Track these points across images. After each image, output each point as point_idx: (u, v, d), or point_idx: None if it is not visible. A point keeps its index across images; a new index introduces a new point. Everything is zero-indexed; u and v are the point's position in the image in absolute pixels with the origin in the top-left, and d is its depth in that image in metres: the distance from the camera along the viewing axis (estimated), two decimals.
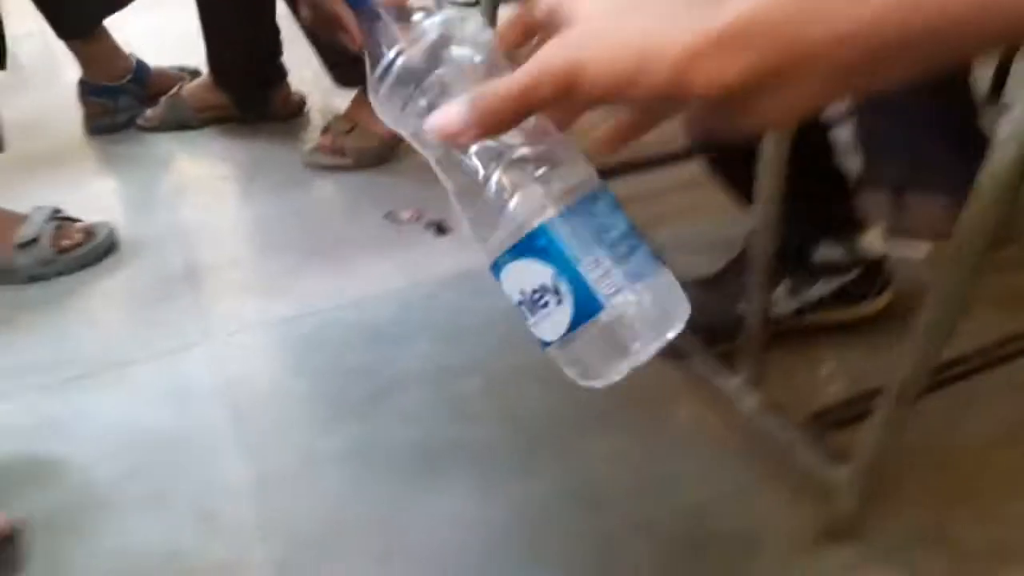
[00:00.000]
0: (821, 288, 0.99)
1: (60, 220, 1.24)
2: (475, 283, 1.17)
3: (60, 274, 1.21)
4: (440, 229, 1.30)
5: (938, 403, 0.78)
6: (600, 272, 0.38)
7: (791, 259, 0.98)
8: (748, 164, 0.75)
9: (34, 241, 1.20)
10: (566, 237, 0.38)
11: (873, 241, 0.99)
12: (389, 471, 0.88)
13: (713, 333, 0.97)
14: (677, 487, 0.85)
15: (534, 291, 0.40)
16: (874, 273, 1.01)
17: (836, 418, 0.86)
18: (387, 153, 1.49)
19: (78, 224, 1.26)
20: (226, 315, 1.12)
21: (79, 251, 1.23)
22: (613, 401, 0.95)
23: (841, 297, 1.00)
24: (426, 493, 0.85)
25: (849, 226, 0.98)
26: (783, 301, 0.98)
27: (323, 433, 0.93)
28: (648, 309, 0.40)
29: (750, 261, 0.79)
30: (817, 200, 0.96)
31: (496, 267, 0.41)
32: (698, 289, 1.02)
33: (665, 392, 0.97)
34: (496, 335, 1.07)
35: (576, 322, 0.40)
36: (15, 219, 1.22)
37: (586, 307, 0.39)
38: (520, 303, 0.41)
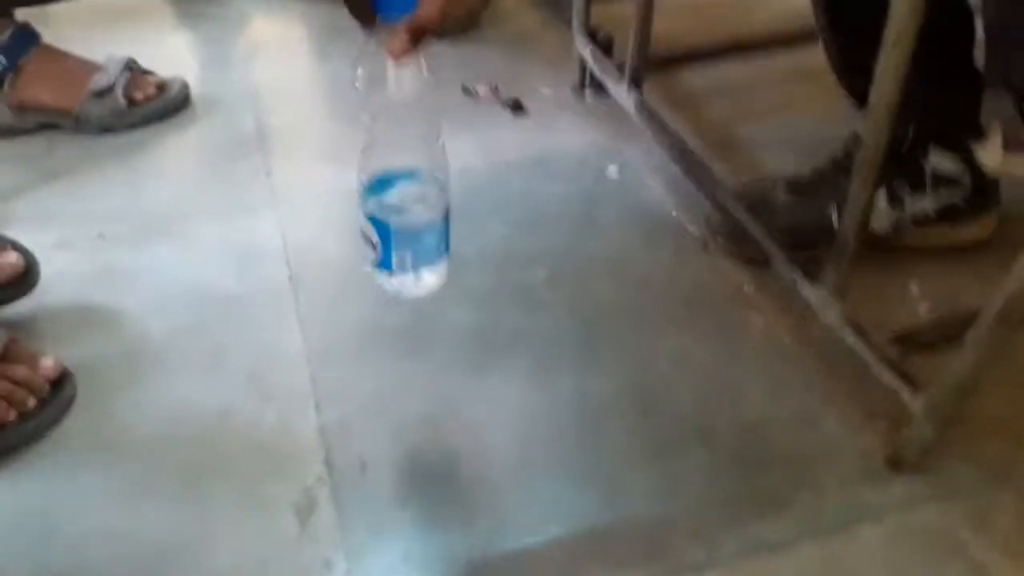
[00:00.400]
0: (926, 202, 0.91)
1: (134, 71, 1.22)
2: (549, 167, 1.12)
3: (132, 127, 1.20)
4: (517, 107, 1.24)
5: None
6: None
7: (897, 163, 0.90)
8: (872, 50, 0.67)
9: (108, 90, 1.18)
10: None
11: (989, 154, 0.90)
12: (447, 351, 0.86)
13: (799, 237, 0.91)
14: (742, 398, 0.81)
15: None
16: (985, 192, 0.92)
17: (922, 340, 0.80)
18: (469, 21, 1.43)
19: (151, 77, 1.24)
20: (294, 180, 1.10)
21: (151, 104, 1.21)
22: (684, 301, 0.91)
23: (946, 215, 0.92)
24: (483, 378, 0.83)
25: (969, 134, 0.89)
26: (881, 213, 0.91)
27: (383, 307, 0.90)
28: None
29: (855, 162, 0.72)
30: (942, 98, 0.87)
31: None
32: (789, 190, 0.95)
33: (740, 296, 0.92)
34: (566, 224, 1.02)
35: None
36: (91, 67, 1.20)
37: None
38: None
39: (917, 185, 0.91)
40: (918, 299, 0.91)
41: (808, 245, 0.91)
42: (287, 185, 1.09)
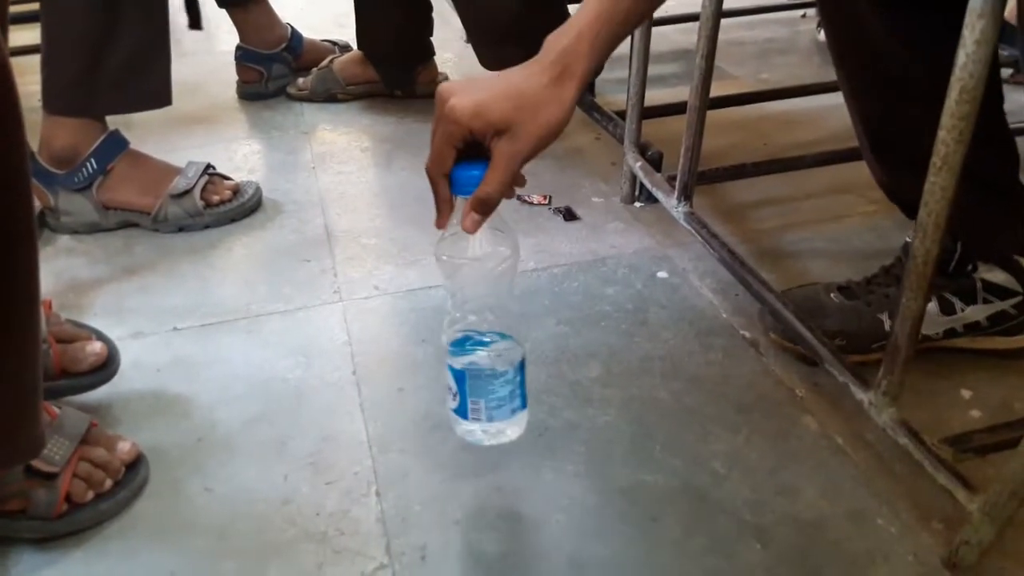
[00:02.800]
0: (977, 312, 0.93)
1: (211, 176, 1.30)
2: (604, 271, 1.16)
3: (207, 227, 1.27)
4: (570, 215, 1.30)
5: None
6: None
7: (947, 276, 0.93)
8: (920, 170, 0.71)
9: (186, 193, 1.26)
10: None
11: None
12: (504, 445, 0.87)
13: (850, 341, 0.94)
14: (796, 498, 0.82)
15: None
16: None
17: (976, 444, 0.80)
18: None
19: (227, 182, 1.32)
20: (358, 280, 1.15)
21: (226, 207, 1.29)
22: (737, 402, 0.93)
23: (997, 323, 0.94)
24: (538, 471, 0.85)
25: (1017, 251, 0.92)
26: (932, 320, 0.93)
27: (441, 401, 0.93)
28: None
29: (905, 271, 0.75)
30: (988, 219, 0.90)
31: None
32: (841, 294, 0.98)
33: (793, 398, 0.93)
34: (619, 325, 1.05)
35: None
36: (171, 171, 1.29)
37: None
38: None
39: (968, 297, 0.93)
40: (969, 404, 0.92)
41: (860, 349, 0.94)
42: (352, 284, 1.14)
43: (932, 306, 0.93)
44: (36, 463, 0.77)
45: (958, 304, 0.94)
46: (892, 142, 0.92)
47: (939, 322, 0.94)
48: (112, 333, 0.99)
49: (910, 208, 0.89)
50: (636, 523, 0.79)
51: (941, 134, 0.66)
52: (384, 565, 0.75)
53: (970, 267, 0.93)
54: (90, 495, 0.80)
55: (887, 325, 0.93)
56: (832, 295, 0.99)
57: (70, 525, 0.79)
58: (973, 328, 0.95)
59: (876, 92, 0.90)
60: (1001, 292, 0.93)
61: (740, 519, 0.79)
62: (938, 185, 0.69)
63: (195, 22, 1.55)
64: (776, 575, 0.74)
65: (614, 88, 1.67)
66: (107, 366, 0.93)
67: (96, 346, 0.92)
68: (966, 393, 0.93)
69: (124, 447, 0.84)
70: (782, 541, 0.77)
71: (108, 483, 0.81)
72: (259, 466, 0.86)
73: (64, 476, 0.78)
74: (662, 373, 0.97)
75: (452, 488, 0.83)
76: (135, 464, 0.85)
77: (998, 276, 0.93)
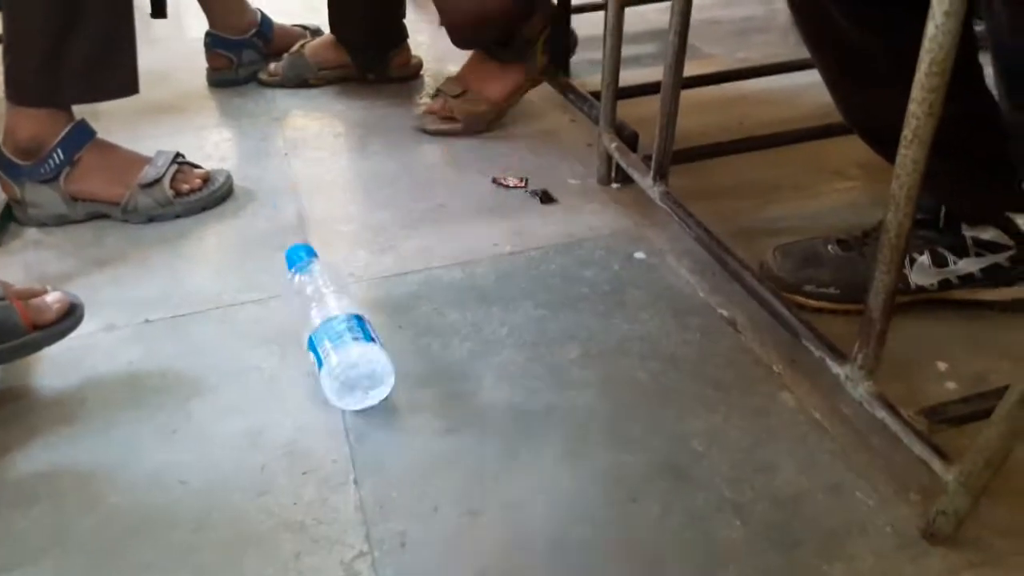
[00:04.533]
0: (970, 264, 0.95)
1: (181, 164, 1.28)
2: (581, 253, 1.16)
3: (177, 216, 1.25)
4: (546, 197, 1.29)
5: None
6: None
7: (938, 231, 0.93)
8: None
9: (156, 182, 1.24)
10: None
11: None
12: (482, 428, 0.88)
13: (844, 291, 0.97)
14: (775, 474, 0.82)
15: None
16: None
17: (951, 415, 0.81)
18: (496, 118, 1.50)
19: (198, 170, 1.30)
20: (334, 266, 1.13)
21: (197, 195, 1.27)
22: (715, 380, 0.93)
23: (992, 275, 0.95)
24: (517, 454, 0.84)
25: (1007, 211, 0.92)
26: (925, 271, 0.94)
27: (419, 386, 0.93)
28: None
29: (880, 241, 0.75)
30: (971, 188, 0.90)
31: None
32: (838, 246, 1.00)
33: (770, 375, 0.93)
34: (596, 306, 1.05)
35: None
36: (140, 160, 1.27)
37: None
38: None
39: (959, 251, 0.95)
40: (945, 377, 0.92)
41: (852, 299, 0.96)
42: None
43: (924, 259, 0.95)
44: None
45: (950, 257, 0.95)
46: (875, 126, 0.92)
47: (932, 273, 0.96)
48: (84, 327, 0.97)
49: None
50: (616, 503, 0.79)
51: (911, 107, 0.66)
52: (363, 553, 0.75)
53: (957, 225, 0.95)
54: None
55: None
56: (829, 247, 1.01)
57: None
58: (968, 280, 0.96)
59: (851, 80, 0.91)
60: (992, 247, 0.94)
61: (719, 496, 0.79)
62: (909, 158, 0.68)
63: (159, 10, 1.54)
64: (755, 550, 0.74)
65: (589, 69, 1.66)
66: (73, 310, 0.94)
67: (55, 294, 0.94)
68: (941, 365, 0.94)
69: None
70: (761, 517, 0.77)
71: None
72: (235, 457, 0.85)
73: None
74: (640, 353, 0.97)
75: (431, 474, 0.83)
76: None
77: (987, 232, 0.94)
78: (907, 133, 0.68)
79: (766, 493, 0.80)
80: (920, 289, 0.98)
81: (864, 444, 0.84)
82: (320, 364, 0.89)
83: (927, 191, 0.89)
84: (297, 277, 1.01)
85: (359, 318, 0.93)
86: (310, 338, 0.92)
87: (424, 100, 1.61)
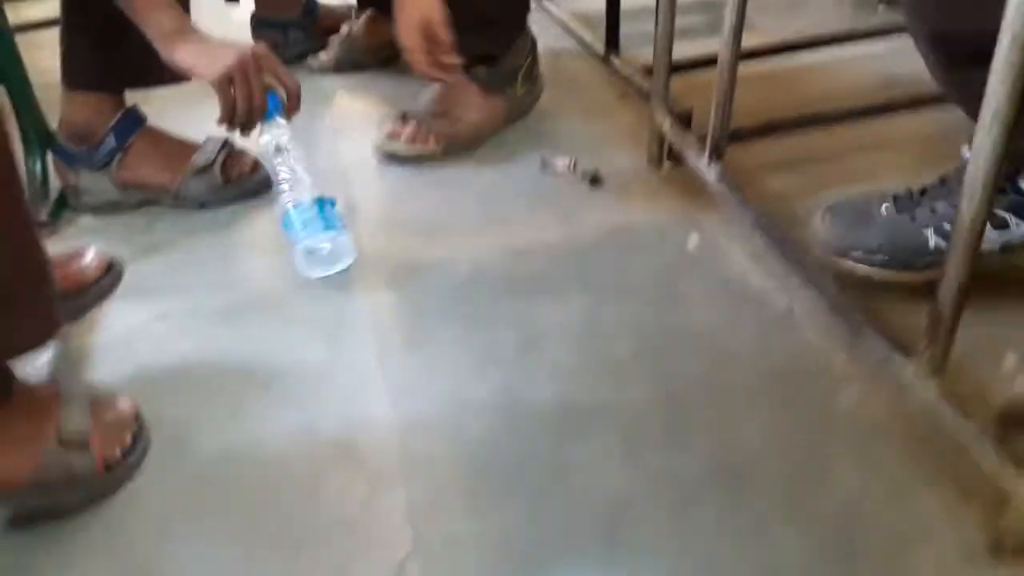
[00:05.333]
0: None
1: (230, 151, 1.28)
2: (631, 240, 1.13)
3: (227, 202, 1.26)
4: (595, 180, 1.26)
5: None
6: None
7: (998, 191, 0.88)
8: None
9: (207, 168, 1.24)
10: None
11: None
12: (534, 425, 0.86)
13: (892, 256, 0.93)
14: (834, 476, 0.79)
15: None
16: None
17: None
18: (475, 143, 1.40)
19: (247, 156, 1.30)
20: (382, 254, 1.13)
21: (246, 181, 1.27)
22: (773, 376, 0.90)
23: None
24: (570, 451, 0.83)
25: None
26: (987, 236, 0.89)
27: (470, 380, 0.92)
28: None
29: (953, 235, 0.71)
30: None
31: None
32: (893, 204, 0.96)
33: (831, 370, 0.91)
34: (649, 296, 1.03)
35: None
36: (190, 147, 1.27)
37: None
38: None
39: (1021, 212, 0.90)
40: (1016, 371, 0.88)
41: (900, 265, 0.93)
42: (376, 257, 1.12)
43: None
44: (67, 435, 0.80)
45: (1012, 220, 0.90)
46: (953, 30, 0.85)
47: (992, 238, 0.91)
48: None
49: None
50: (671, 507, 0.77)
51: (992, 84, 0.62)
52: (412, 554, 0.75)
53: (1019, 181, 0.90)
54: (118, 452, 0.83)
55: (932, 242, 0.92)
56: (884, 206, 0.97)
57: (112, 482, 0.82)
58: None
59: None
60: None
61: (778, 500, 0.77)
62: (988, 142, 0.64)
63: None
64: (814, 558, 0.72)
65: (637, 43, 1.61)
66: (112, 266, 0.99)
67: (89, 254, 0.98)
68: (1012, 357, 0.89)
69: (125, 403, 0.88)
70: (820, 522, 0.75)
71: (128, 438, 0.84)
72: (285, 452, 0.85)
73: (94, 438, 0.81)
74: (695, 347, 0.95)
75: (480, 472, 0.82)
76: (137, 416, 0.88)
77: None
78: (986, 114, 0.64)
79: (827, 496, 0.77)
80: (979, 256, 0.92)
81: (929, 446, 0.81)
82: (296, 240, 1.07)
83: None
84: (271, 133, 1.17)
85: (322, 202, 1.10)
86: (286, 215, 1.09)
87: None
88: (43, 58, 1.64)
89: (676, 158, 1.26)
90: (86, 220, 1.26)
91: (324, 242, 1.08)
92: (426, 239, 1.16)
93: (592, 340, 0.96)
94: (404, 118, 1.37)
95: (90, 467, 0.80)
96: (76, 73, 1.23)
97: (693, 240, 1.12)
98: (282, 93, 1.15)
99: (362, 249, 1.14)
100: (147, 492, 0.82)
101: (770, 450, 0.82)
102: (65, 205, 1.28)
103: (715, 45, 1.06)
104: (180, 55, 1.09)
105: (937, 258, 0.91)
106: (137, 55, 1.20)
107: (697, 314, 1.00)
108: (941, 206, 0.92)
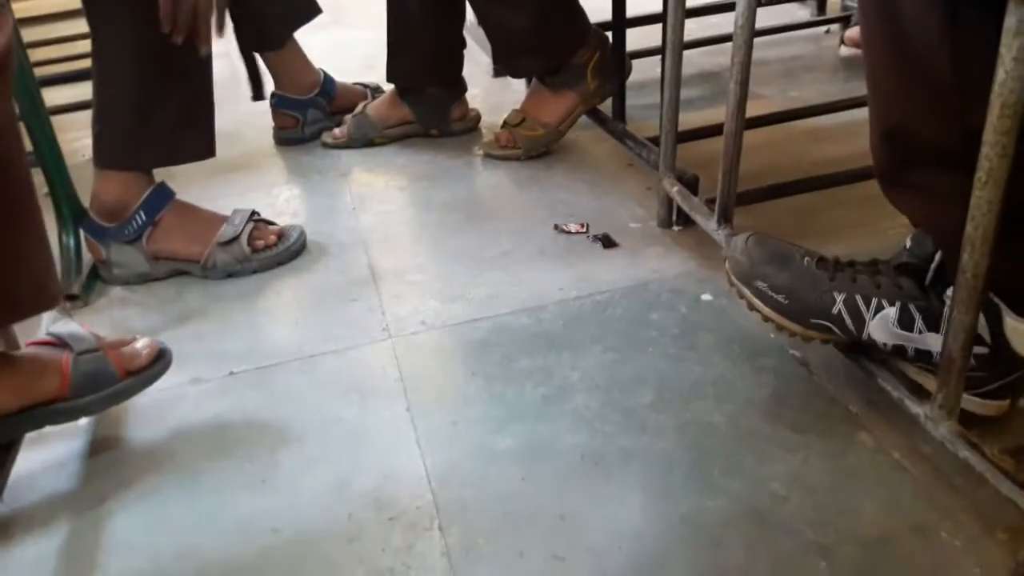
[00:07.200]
0: (934, 341, 0.87)
1: (257, 222, 1.33)
2: (647, 296, 1.17)
3: (255, 272, 1.30)
4: (608, 242, 1.31)
5: None
6: None
7: (922, 288, 0.89)
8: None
9: (234, 240, 1.29)
10: None
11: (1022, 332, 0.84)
12: (562, 474, 0.89)
13: (793, 304, 0.93)
14: (858, 516, 0.82)
15: None
16: (1002, 365, 0.86)
17: None
18: (554, 141, 1.62)
19: (272, 227, 1.35)
20: (406, 316, 1.17)
21: (272, 251, 1.32)
22: (792, 422, 0.93)
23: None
24: (598, 500, 0.86)
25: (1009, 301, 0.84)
26: (886, 328, 0.89)
27: (496, 432, 0.95)
28: None
29: (957, 281, 0.75)
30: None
31: None
32: (813, 261, 0.95)
33: (848, 415, 0.94)
34: (667, 349, 1.06)
35: None
36: (218, 219, 1.32)
37: None
38: None
39: (932, 321, 0.87)
40: None
41: (796, 317, 0.93)
42: (400, 321, 1.16)
43: (892, 312, 0.89)
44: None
45: (919, 323, 0.88)
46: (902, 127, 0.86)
47: (892, 333, 0.89)
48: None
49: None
50: (700, 550, 0.80)
51: (984, 149, 0.67)
52: None
53: (944, 288, 0.86)
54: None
55: (836, 308, 0.91)
56: (806, 259, 0.95)
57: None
58: (924, 358, 0.88)
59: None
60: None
61: (804, 539, 0.80)
62: (984, 199, 0.69)
63: (258, 93, 1.65)
64: None
65: (644, 114, 1.69)
66: (162, 355, 0.99)
67: (143, 340, 0.99)
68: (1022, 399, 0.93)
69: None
70: (847, 559, 0.77)
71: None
72: (323, 505, 0.88)
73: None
74: (715, 397, 0.98)
75: (513, 520, 0.84)
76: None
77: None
78: (980, 175, 0.69)
79: (851, 535, 0.80)
80: (871, 344, 0.91)
81: (947, 483, 0.84)
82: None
83: (934, 234, 0.87)
84: None
85: None
86: None
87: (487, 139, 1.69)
88: (75, 138, 1.72)
89: (685, 220, 1.32)
90: (117, 292, 1.30)
91: None
92: (448, 300, 1.20)
93: (612, 392, 1.00)
94: (503, 127, 1.63)
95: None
96: (107, 153, 1.28)
97: (706, 296, 1.16)
98: None
99: (387, 311, 1.18)
100: (190, 543, 0.85)
101: (794, 491, 0.85)
102: (97, 278, 1.32)
103: (716, 114, 1.11)
104: None
105: (831, 325, 0.92)
106: (165, 135, 1.27)
107: (714, 366, 1.03)
108: (864, 280, 0.91)
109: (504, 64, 1.72)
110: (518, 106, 1.63)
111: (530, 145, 1.60)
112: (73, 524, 0.89)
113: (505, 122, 1.63)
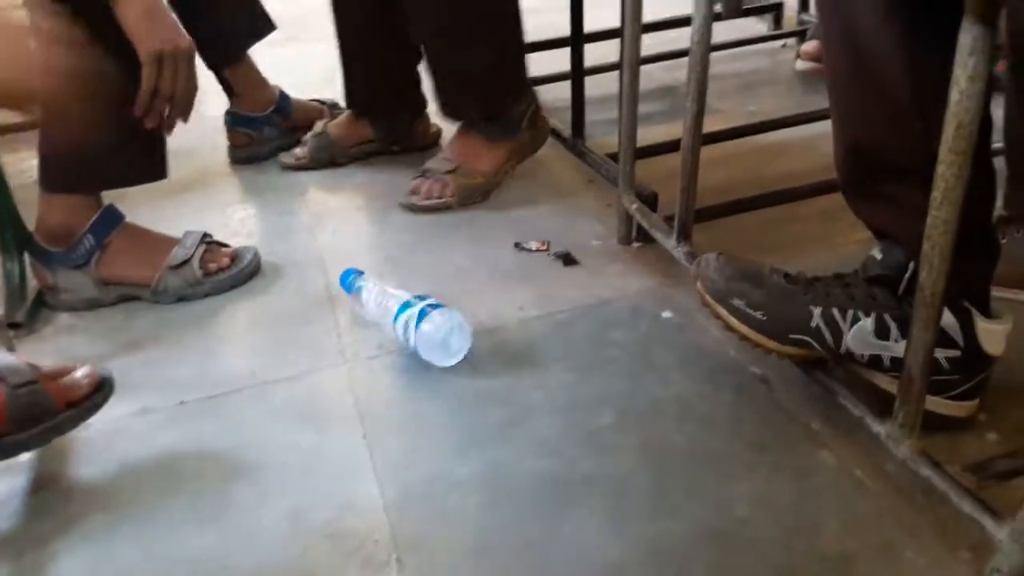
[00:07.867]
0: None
1: (209, 244, 1.30)
2: (605, 315, 1.16)
3: (207, 295, 1.27)
4: (569, 259, 1.30)
5: None
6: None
7: (896, 297, 0.89)
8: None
9: (185, 263, 1.26)
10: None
11: (993, 332, 0.86)
12: (523, 501, 0.87)
13: (771, 319, 0.93)
14: (821, 535, 0.81)
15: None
16: (973, 366, 0.88)
17: (998, 470, 0.80)
18: (489, 190, 1.53)
19: (225, 249, 1.32)
20: (363, 339, 1.15)
21: (225, 274, 1.28)
22: (753, 441, 0.92)
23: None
24: (560, 526, 0.84)
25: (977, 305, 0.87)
26: (863, 339, 0.89)
27: (456, 457, 0.93)
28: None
29: (916, 299, 0.75)
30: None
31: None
32: (783, 277, 0.96)
33: (808, 433, 0.93)
34: (628, 368, 1.05)
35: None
36: (169, 242, 1.29)
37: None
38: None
39: (906, 329, 0.84)
40: (985, 427, 0.91)
41: (775, 333, 0.93)
42: (356, 344, 1.14)
43: (868, 323, 0.89)
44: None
45: (894, 331, 0.89)
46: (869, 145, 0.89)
47: (869, 343, 0.90)
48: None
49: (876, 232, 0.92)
50: (663, 574, 0.78)
51: (940, 168, 0.67)
52: None
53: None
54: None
55: (814, 322, 0.91)
56: (774, 275, 0.95)
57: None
58: (899, 366, 0.84)
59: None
60: (941, 338, 0.83)
61: (767, 560, 0.79)
62: (940, 219, 0.69)
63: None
64: None
65: (603, 130, 1.68)
66: (105, 383, 0.96)
67: (83, 369, 0.96)
68: (981, 416, 0.93)
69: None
70: None
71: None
72: (278, 540, 0.85)
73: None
74: (675, 416, 0.97)
75: (474, 550, 0.82)
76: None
77: (946, 319, 0.83)
78: (936, 195, 0.69)
79: (814, 555, 0.79)
80: (848, 356, 0.91)
81: (910, 502, 0.83)
82: (412, 336, 1.07)
83: (905, 244, 0.87)
84: (361, 293, 1.18)
85: (421, 297, 1.11)
86: (396, 314, 1.10)
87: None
88: (22, 159, 1.67)
89: (645, 237, 1.31)
90: (64, 318, 1.26)
91: (442, 322, 1.07)
92: None
93: (574, 413, 0.98)
94: (424, 175, 1.50)
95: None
96: (53, 175, 1.25)
97: (666, 313, 1.16)
98: None
99: (343, 334, 1.16)
100: None
101: (756, 512, 0.84)
102: (43, 305, 1.28)
103: (675, 129, 1.11)
104: (124, 7, 1.12)
105: (809, 340, 0.92)
106: (113, 157, 1.23)
107: (675, 385, 1.02)
108: (837, 293, 0.91)
109: (446, 103, 1.56)
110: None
111: (467, 194, 1.49)
112: (13, 567, 0.85)
113: (425, 170, 1.51)
